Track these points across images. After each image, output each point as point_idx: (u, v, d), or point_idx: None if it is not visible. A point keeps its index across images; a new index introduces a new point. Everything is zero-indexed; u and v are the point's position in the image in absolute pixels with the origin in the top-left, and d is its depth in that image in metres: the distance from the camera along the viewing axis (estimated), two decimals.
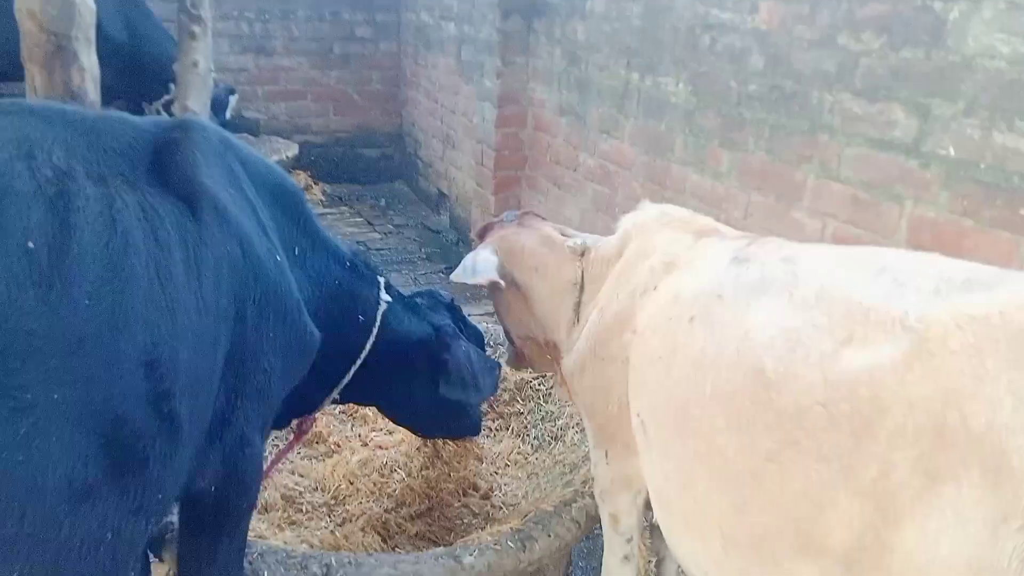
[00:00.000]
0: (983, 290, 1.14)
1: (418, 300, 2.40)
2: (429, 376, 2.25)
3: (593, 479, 2.04)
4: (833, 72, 2.83)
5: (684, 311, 1.54)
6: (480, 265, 2.18)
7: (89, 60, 1.91)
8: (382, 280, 2.22)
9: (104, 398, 1.23)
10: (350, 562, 1.91)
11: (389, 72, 7.84)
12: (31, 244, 1.17)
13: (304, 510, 2.51)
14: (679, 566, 2.17)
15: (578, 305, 2.05)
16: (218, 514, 1.71)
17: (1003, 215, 2.26)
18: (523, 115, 5.33)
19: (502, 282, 2.16)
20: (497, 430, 3.01)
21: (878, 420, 1.14)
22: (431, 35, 6.89)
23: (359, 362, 2.13)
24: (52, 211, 1.22)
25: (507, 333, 2.43)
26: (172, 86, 5.14)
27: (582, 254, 2.09)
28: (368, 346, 2.13)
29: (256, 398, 1.70)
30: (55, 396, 1.16)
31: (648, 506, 1.93)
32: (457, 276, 2.23)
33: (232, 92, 5.45)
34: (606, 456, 1.90)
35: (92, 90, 1.95)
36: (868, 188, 2.73)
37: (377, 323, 2.15)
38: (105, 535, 1.27)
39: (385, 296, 2.20)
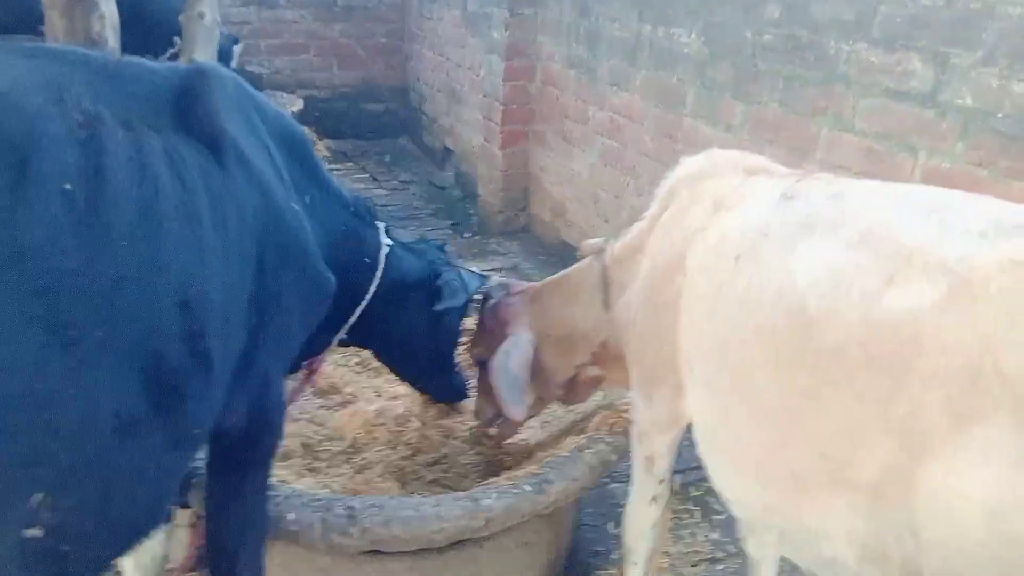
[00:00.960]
0: None
1: (412, 243, 2.49)
2: (427, 313, 2.34)
3: (632, 422, 2.08)
4: (851, 21, 2.80)
5: (731, 249, 1.55)
6: (520, 351, 2.15)
7: (108, 8, 1.91)
8: (381, 225, 2.31)
9: (144, 336, 1.27)
10: (373, 504, 1.96)
11: (393, 25, 7.74)
12: (68, 186, 1.18)
13: (323, 458, 2.56)
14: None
15: (606, 297, 2.09)
16: (246, 452, 1.77)
17: (1019, 166, 2.26)
18: (531, 68, 5.27)
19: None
20: None
21: (914, 361, 1.17)
22: None
23: (364, 303, 2.21)
24: (85, 154, 1.23)
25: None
26: (177, 40, 5.10)
27: (599, 253, 2.15)
28: (373, 288, 2.21)
29: (278, 340, 1.76)
30: (99, 333, 1.19)
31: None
32: (512, 403, 2.15)
33: (236, 41, 5.38)
34: (650, 401, 1.94)
35: (112, 37, 1.94)
36: (883, 139, 2.72)
37: (381, 265, 2.23)
38: (149, 467, 1.32)
39: (386, 239, 2.29)
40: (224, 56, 5.11)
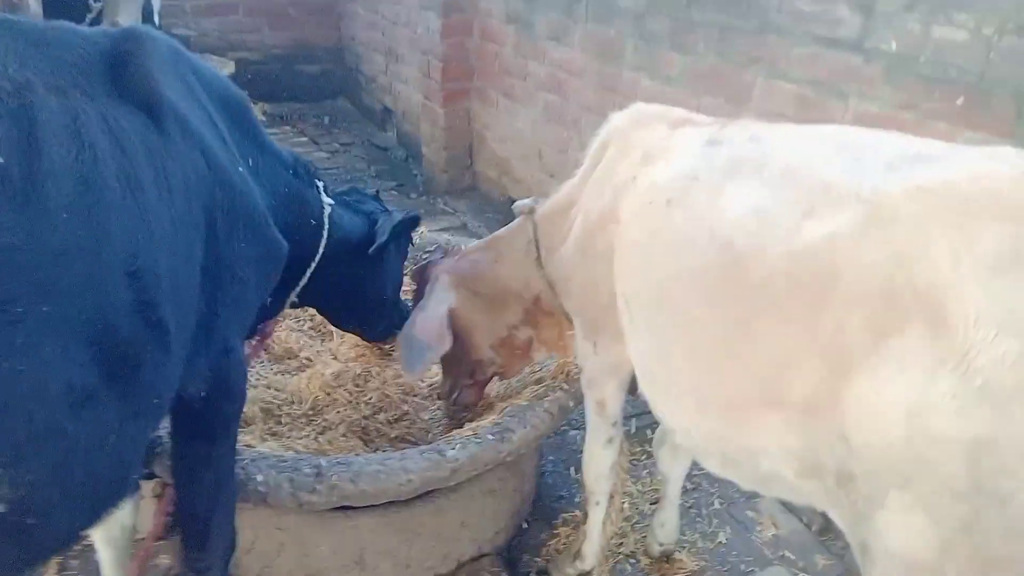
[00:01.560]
0: (932, 164, 1.26)
1: (347, 198, 2.53)
2: (369, 263, 2.42)
3: (581, 369, 2.18)
4: None
5: (661, 195, 1.64)
6: (429, 324, 2.20)
7: None
8: (320, 183, 2.33)
9: (92, 308, 1.26)
10: (339, 462, 2.01)
11: None
12: (0, 159, 1.16)
13: (283, 422, 2.59)
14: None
15: (538, 254, 2.19)
16: (209, 419, 1.78)
17: (941, 107, 2.38)
18: (469, 24, 5.22)
19: (448, 340, 2.19)
20: None
21: (834, 284, 1.27)
22: None
23: (314, 265, 2.24)
24: (17, 125, 1.20)
25: (470, 369, 2.47)
26: (92, 3, 4.89)
27: (530, 212, 2.24)
28: (321, 249, 2.24)
29: (234, 307, 1.77)
30: (44, 308, 1.18)
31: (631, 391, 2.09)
32: (406, 368, 2.24)
33: None
34: (595, 347, 2.03)
35: (33, 2, 1.87)
36: (815, 86, 2.82)
37: (326, 225, 2.26)
38: (108, 437, 1.33)
39: (328, 199, 2.31)
40: (147, 15, 4.92)
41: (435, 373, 2.86)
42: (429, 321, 2.20)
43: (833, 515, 1.42)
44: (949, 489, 1.14)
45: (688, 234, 1.53)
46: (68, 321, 1.23)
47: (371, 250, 2.40)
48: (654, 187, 1.69)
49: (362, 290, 2.50)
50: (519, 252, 2.28)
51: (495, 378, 2.58)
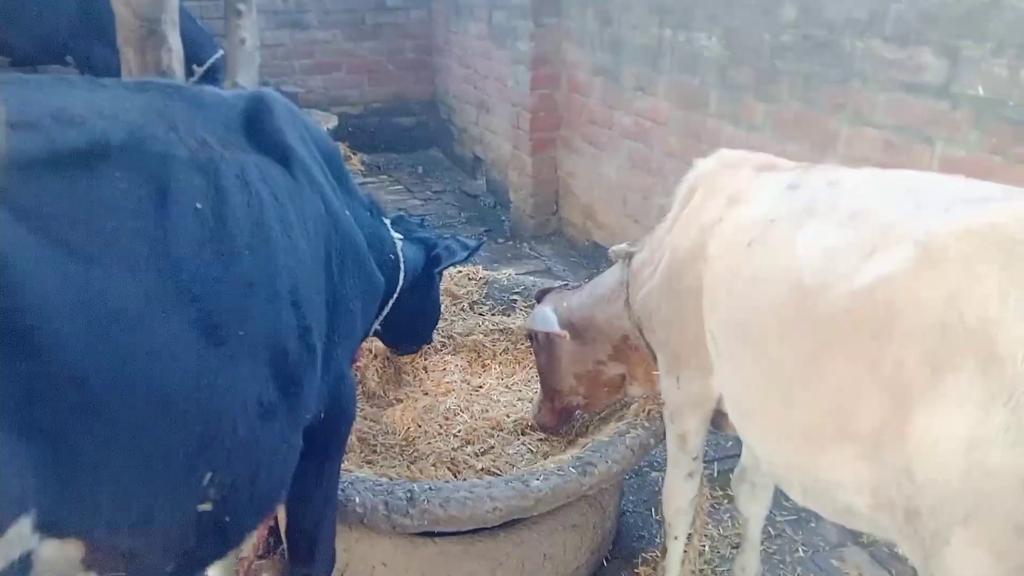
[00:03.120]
0: (985, 206, 1.32)
1: (397, 227, 2.71)
2: (430, 290, 2.66)
3: (663, 404, 2.26)
4: (864, 19, 2.91)
5: (744, 236, 1.73)
6: (548, 318, 2.58)
7: (176, 42, 2.10)
8: (387, 220, 2.52)
9: (271, 333, 1.45)
10: (430, 488, 2.13)
11: (421, 40, 7.96)
12: (199, 205, 1.35)
13: (378, 450, 2.74)
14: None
15: (627, 295, 2.36)
16: (325, 439, 1.90)
17: None
18: (557, 76, 5.43)
19: (566, 335, 2.54)
20: None
21: (893, 322, 1.33)
22: (461, 2, 6.98)
23: (395, 296, 2.42)
24: (206, 176, 1.40)
25: (551, 394, 2.74)
26: (195, 67, 5.35)
27: (626, 256, 2.41)
28: (401, 281, 2.43)
29: (347, 337, 1.94)
30: (240, 332, 1.37)
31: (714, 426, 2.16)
32: (531, 325, 2.64)
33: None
34: (678, 381, 2.10)
35: (178, 68, 2.14)
36: (900, 132, 2.83)
37: (403, 259, 2.45)
38: (282, 445, 1.51)
39: (397, 235, 2.51)
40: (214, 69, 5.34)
41: (521, 410, 2.97)
42: (543, 311, 2.58)
43: (906, 551, 1.43)
44: (1011, 524, 1.16)
45: (766, 272, 1.62)
46: (255, 344, 1.41)
47: (438, 268, 2.61)
48: (738, 228, 1.78)
49: (424, 311, 2.71)
50: (612, 293, 2.42)
51: (577, 410, 2.70)
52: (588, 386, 2.62)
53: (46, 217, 1.13)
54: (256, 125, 1.68)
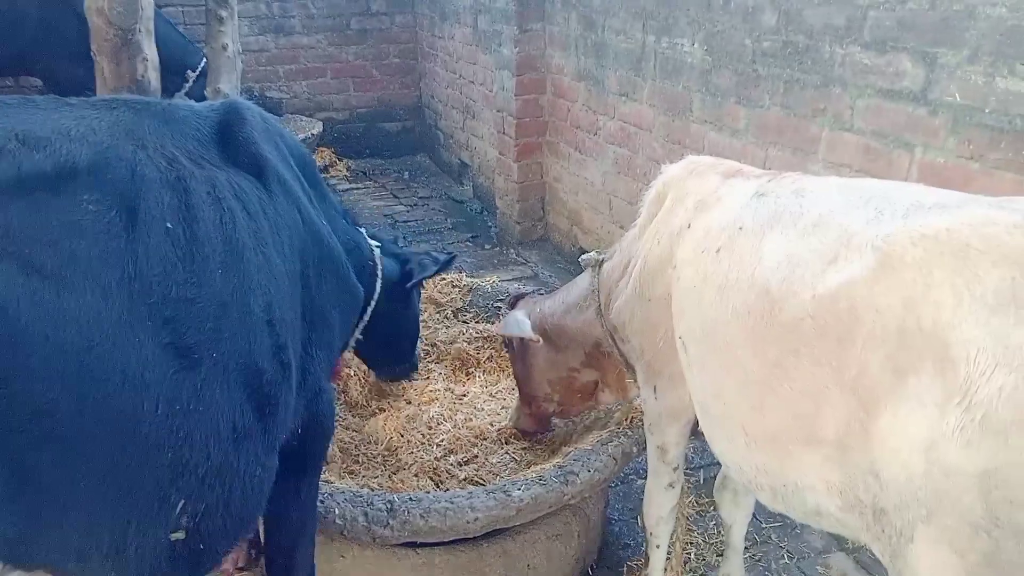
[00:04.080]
0: (942, 212, 1.33)
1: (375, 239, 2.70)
2: (405, 298, 2.61)
3: (643, 414, 2.26)
4: (843, 25, 2.93)
5: (712, 243, 1.74)
6: (521, 323, 2.61)
7: (151, 51, 2.09)
8: (363, 229, 2.49)
9: (245, 353, 1.42)
10: (411, 499, 2.12)
11: (406, 46, 7.95)
12: (169, 225, 1.34)
13: (360, 461, 2.73)
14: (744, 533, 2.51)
15: (599, 302, 2.36)
16: (302, 455, 1.89)
17: (1007, 157, 2.38)
18: (542, 82, 5.44)
19: (538, 339, 2.56)
20: None
21: (854, 327, 1.35)
22: (446, 6, 6.97)
23: (373, 303, 2.39)
24: (176, 194, 1.39)
25: (528, 400, 2.77)
26: (189, 72, 5.34)
27: (596, 264, 2.41)
28: (378, 288, 2.39)
29: (325, 350, 1.91)
30: (215, 353, 1.35)
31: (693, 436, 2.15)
32: (505, 331, 2.67)
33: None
34: (655, 391, 2.10)
35: (154, 78, 2.12)
36: (879, 137, 2.84)
37: (380, 266, 2.42)
38: (257, 468, 1.48)
39: (374, 242, 2.48)
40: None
41: (505, 419, 2.96)
42: (515, 316, 2.62)
43: (875, 551, 1.45)
44: (968, 522, 1.18)
45: (733, 279, 1.63)
46: (229, 365, 1.39)
47: (411, 284, 2.58)
48: (707, 235, 1.79)
49: (403, 324, 2.67)
50: (583, 301, 2.42)
51: (554, 416, 2.71)
52: (563, 392, 2.64)
53: (17, 242, 1.11)
54: (229, 137, 1.66)
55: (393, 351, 2.81)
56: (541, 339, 2.55)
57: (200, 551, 1.40)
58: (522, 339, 2.59)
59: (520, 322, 2.58)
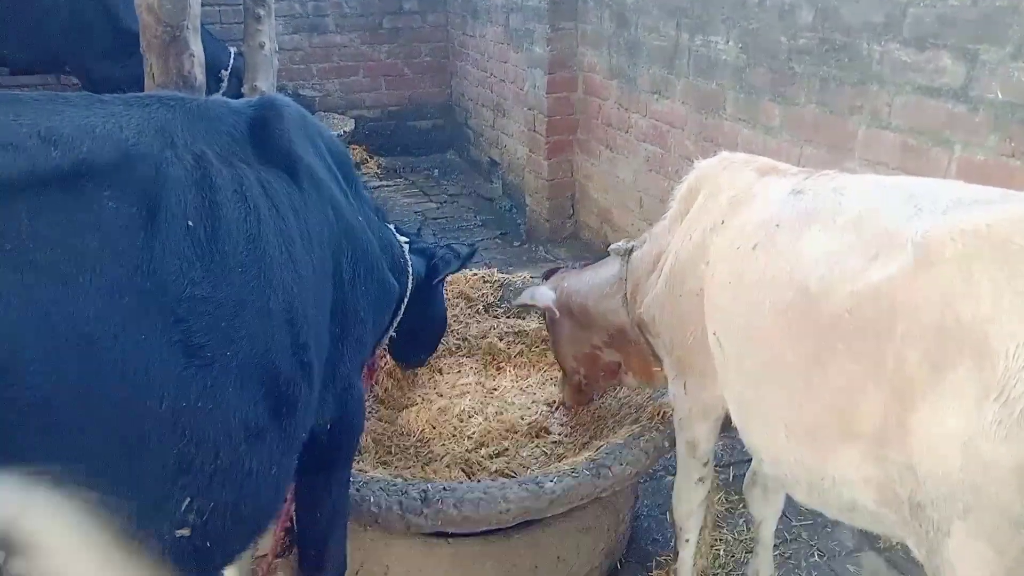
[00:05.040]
0: (982, 208, 1.33)
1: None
2: (433, 292, 2.64)
3: (673, 410, 2.26)
4: (881, 23, 2.90)
5: (749, 240, 1.74)
6: (538, 294, 2.71)
7: (198, 48, 2.13)
8: (391, 224, 2.50)
9: (262, 352, 1.42)
10: (444, 488, 2.15)
11: (438, 44, 7.99)
12: (190, 223, 1.34)
13: (393, 452, 2.76)
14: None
15: (625, 291, 2.40)
16: (332, 451, 1.90)
17: None
18: (574, 80, 5.44)
19: (556, 310, 2.64)
20: None
21: (893, 322, 1.35)
22: (478, 5, 7.01)
23: (407, 300, 2.40)
24: (200, 193, 1.40)
25: (563, 367, 2.86)
26: (223, 72, 5.42)
27: (626, 253, 2.44)
28: (410, 284, 2.40)
29: (356, 346, 1.92)
30: (227, 353, 1.35)
31: (723, 430, 2.16)
32: (519, 300, 2.79)
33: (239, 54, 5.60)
34: (685, 387, 2.11)
35: (200, 74, 2.17)
36: (918, 135, 2.81)
37: (411, 263, 2.43)
38: (272, 469, 1.47)
39: (403, 238, 2.49)
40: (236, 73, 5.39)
41: (535, 412, 2.98)
42: (545, 294, 2.70)
43: (911, 546, 1.44)
44: (1007, 517, 1.18)
45: (770, 275, 1.63)
46: (244, 365, 1.38)
47: (436, 280, 2.61)
48: (742, 232, 1.79)
49: (431, 318, 2.71)
50: (609, 288, 2.45)
51: (585, 389, 2.81)
52: (587, 367, 2.70)
53: (15, 239, 1.11)
54: (263, 134, 1.66)
55: (421, 345, 2.84)
56: (557, 311, 2.63)
57: (208, 549, 1.39)
58: (546, 309, 2.66)
59: (535, 294, 2.67)
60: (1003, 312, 1.20)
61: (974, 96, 2.57)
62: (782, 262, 1.61)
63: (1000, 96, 2.47)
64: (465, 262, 2.77)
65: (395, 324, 2.43)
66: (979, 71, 2.54)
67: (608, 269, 2.51)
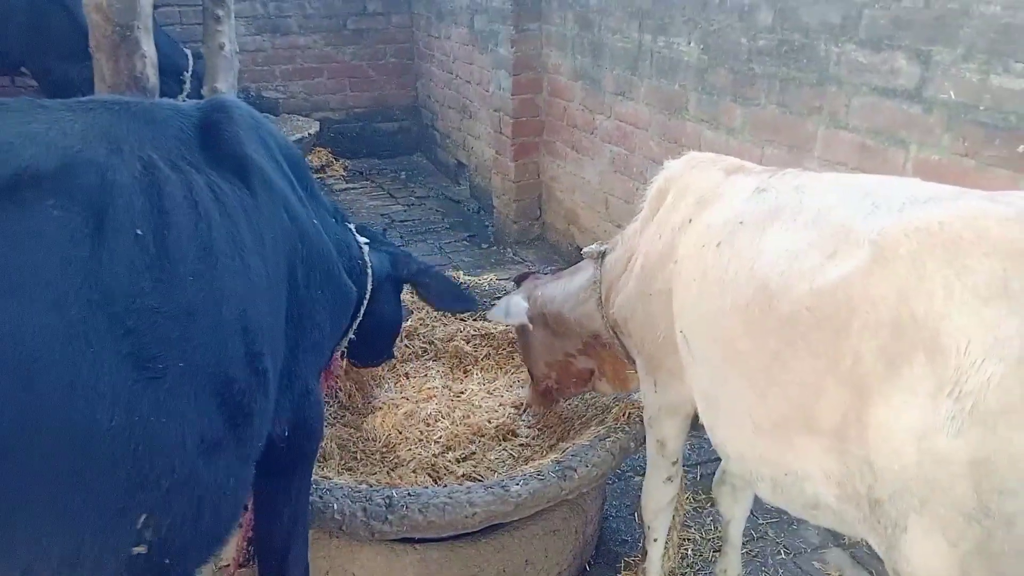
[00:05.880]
0: (936, 205, 1.35)
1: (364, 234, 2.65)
2: (394, 295, 2.60)
3: (643, 408, 2.28)
4: (838, 24, 2.94)
5: (713, 238, 1.76)
6: (512, 309, 2.65)
7: (149, 48, 2.08)
8: (351, 224, 2.45)
9: (216, 362, 1.39)
10: (409, 494, 2.13)
11: (403, 45, 7.95)
12: (139, 231, 1.31)
13: (358, 457, 2.73)
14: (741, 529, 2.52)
15: (599, 294, 2.39)
16: (290, 457, 1.87)
17: (1002, 154, 2.40)
18: (539, 81, 5.45)
19: (530, 324, 2.61)
20: None
21: (850, 318, 1.37)
22: (443, 6, 6.98)
23: (366, 302, 2.36)
24: (148, 199, 1.35)
25: (533, 373, 2.85)
26: (185, 74, 5.34)
27: (598, 257, 2.43)
28: (370, 286, 2.36)
29: (312, 351, 1.89)
30: (180, 364, 1.31)
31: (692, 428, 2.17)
32: (493, 316, 2.73)
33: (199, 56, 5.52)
34: (654, 385, 2.12)
35: (152, 75, 2.12)
36: (875, 135, 2.86)
37: (370, 264, 2.39)
38: (229, 481, 1.44)
39: (363, 239, 2.44)
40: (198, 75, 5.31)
41: (502, 415, 2.96)
42: (518, 306, 2.65)
43: (872, 543, 1.46)
44: (960, 511, 1.20)
45: (732, 273, 1.65)
46: (197, 376, 1.35)
47: (437, 302, 2.62)
48: (708, 230, 1.80)
49: (388, 320, 2.65)
50: (583, 292, 2.44)
51: (555, 394, 2.80)
52: (559, 375, 2.70)
53: None
54: (212, 137, 1.62)
55: (378, 346, 2.79)
56: (531, 324, 2.61)
57: (166, 565, 1.36)
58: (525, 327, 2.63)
59: (509, 307, 2.64)
60: (955, 308, 1.22)
61: (928, 97, 2.62)
62: (744, 259, 1.63)
63: (953, 97, 2.52)
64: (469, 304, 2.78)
65: (354, 327, 2.39)
66: (932, 72, 2.58)
67: (582, 275, 2.51)
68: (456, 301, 2.73)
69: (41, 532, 1.19)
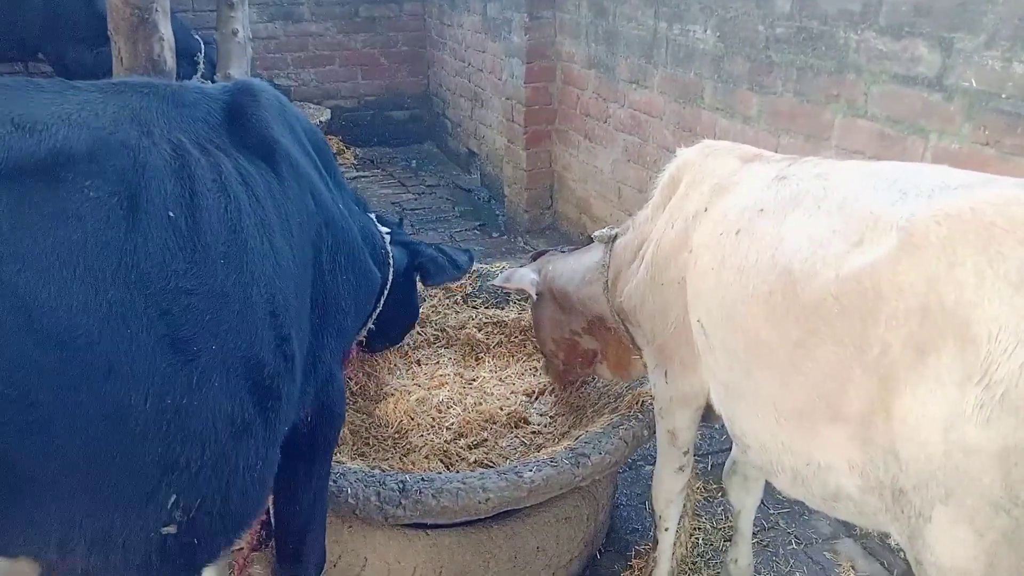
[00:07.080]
0: (966, 192, 1.33)
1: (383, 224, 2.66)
2: (411, 286, 2.63)
3: (654, 399, 2.26)
4: (858, 11, 2.91)
5: (732, 225, 1.74)
6: (515, 275, 2.73)
7: (167, 31, 2.08)
8: (373, 214, 2.46)
9: (246, 345, 1.39)
10: (423, 479, 2.13)
11: (415, 33, 7.92)
12: (171, 214, 1.31)
13: (371, 443, 2.73)
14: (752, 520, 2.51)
15: (606, 278, 2.39)
16: (313, 442, 1.88)
17: (1023, 143, 2.36)
18: (552, 69, 5.42)
19: (534, 294, 2.66)
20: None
21: (877, 306, 1.35)
22: None
23: (388, 290, 2.36)
24: (179, 182, 1.36)
25: (543, 351, 2.90)
26: (198, 56, 5.34)
27: (609, 241, 2.42)
28: (391, 274, 2.36)
29: (336, 337, 1.88)
30: (213, 347, 1.32)
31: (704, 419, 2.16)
32: (499, 280, 2.80)
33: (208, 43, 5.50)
34: (665, 376, 2.10)
35: (170, 58, 2.12)
36: (894, 124, 2.83)
37: (391, 254, 2.39)
38: (257, 463, 1.45)
39: (384, 228, 2.45)
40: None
41: (514, 403, 2.96)
42: (524, 276, 2.72)
43: (894, 533, 1.45)
44: (988, 501, 1.19)
45: (753, 260, 1.63)
46: (229, 358, 1.35)
47: (431, 282, 2.62)
48: (725, 218, 1.78)
49: (404, 311, 2.66)
50: (590, 274, 2.45)
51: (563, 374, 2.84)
52: (565, 353, 2.71)
53: None
54: (240, 120, 1.62)
55: (391, 335, 2.80)
56: (536, 295, 2.64)
57: (194, 545, 1.37)
58: (525, 291, 2.68)
59: (515, 274, 2.68)
60: (986, 296, 1.20)
61: (949, 85, 2.59)
62: (765, 247, 1.61)
63: (974, 85, 2.49)
64: (463, 271, 2.74)
65: (375, 314, 2.39)
66: (954, 60, 2.55)
67: (591, 256, 2.50)
68: (446, 276, 2.74)
69: (75, 509, 1.20)
